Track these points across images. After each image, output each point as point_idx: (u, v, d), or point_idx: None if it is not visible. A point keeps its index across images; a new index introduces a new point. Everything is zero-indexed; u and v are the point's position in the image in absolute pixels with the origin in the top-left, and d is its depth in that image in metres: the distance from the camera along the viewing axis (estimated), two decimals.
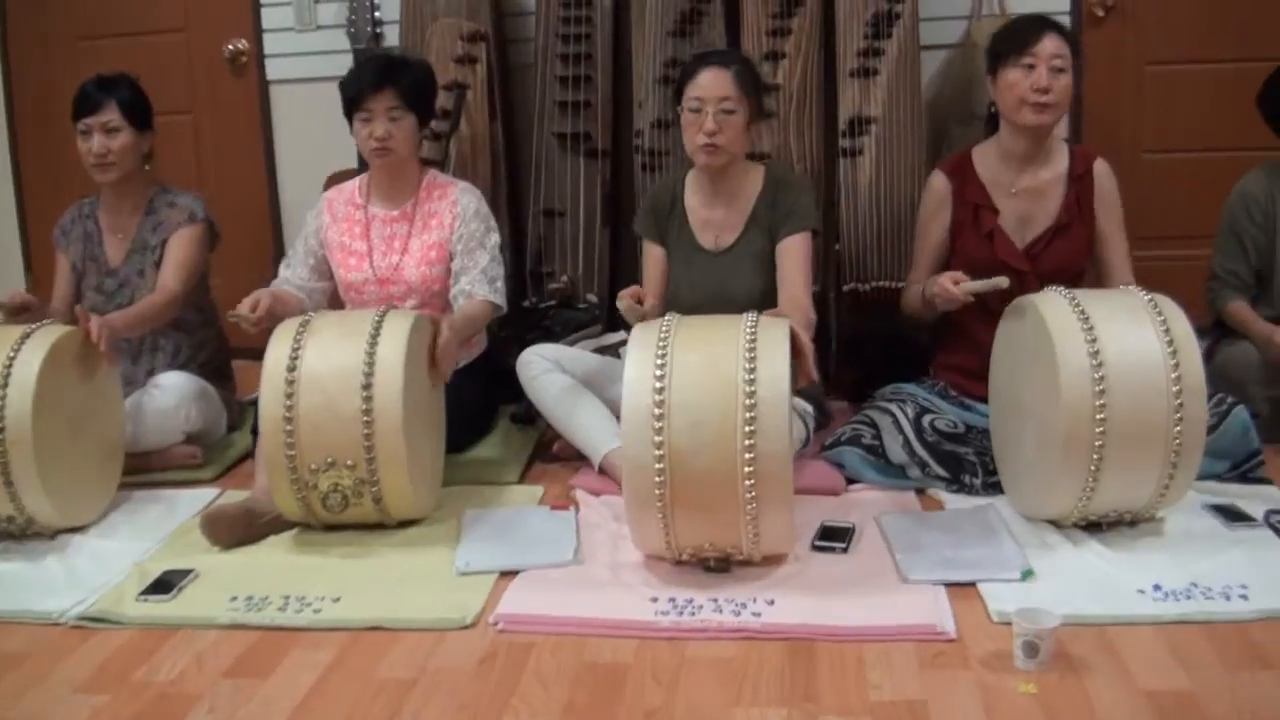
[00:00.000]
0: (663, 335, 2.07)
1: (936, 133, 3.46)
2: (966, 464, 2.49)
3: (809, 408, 2.70)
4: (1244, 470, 2.48)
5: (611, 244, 3.32)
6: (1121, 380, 2.08)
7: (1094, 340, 2.10)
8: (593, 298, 3.24)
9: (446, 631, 1.97)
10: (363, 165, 2.92)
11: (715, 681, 1.77)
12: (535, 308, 3.29)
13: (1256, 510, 2.30)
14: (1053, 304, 2.20)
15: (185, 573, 2.23)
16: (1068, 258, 2.67)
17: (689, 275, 2.71)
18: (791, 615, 1.95)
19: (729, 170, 2.65)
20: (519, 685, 1.79)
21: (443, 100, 3.22)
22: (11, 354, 2.35)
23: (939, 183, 2.74)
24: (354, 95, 2.66)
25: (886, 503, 2.45)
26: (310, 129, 3.65)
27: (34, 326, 2.43)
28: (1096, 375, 2.08)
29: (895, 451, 2.51)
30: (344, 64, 3.19)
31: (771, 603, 2.00)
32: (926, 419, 2.58)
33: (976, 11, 3.48)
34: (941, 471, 2.48)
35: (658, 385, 2.00)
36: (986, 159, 2.72)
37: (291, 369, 2.26)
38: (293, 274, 2.83)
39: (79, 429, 2.47)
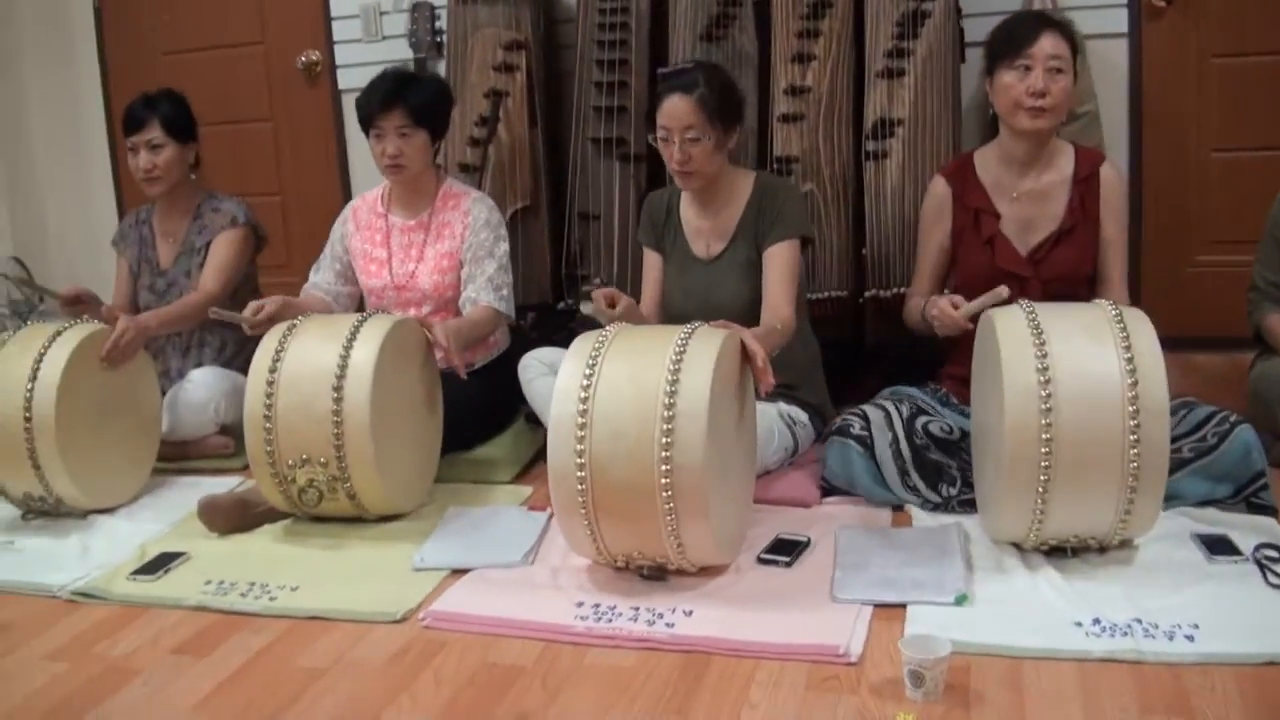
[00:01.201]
0: (597, 345, 2.10)
1: (983, 131, 3.34)
2: (946, 474, 2.41)
3: (803, 416, 2.67)
4: (1247, 494, 2.31)
5: None
6: (1071, 400, 1.99)
7: (1044, 358, 2.01)
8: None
9: (376, 624, 2.07)
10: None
11: (598, 689, 1.80)
12: (570, 309, 3.36)
13: (1250, 542, 2.15)
14: (1009, 319, 2.12)
15: (177, 555, 2.40)
16: (1072, 263, 2.56)
17: (682, 283, 2.72)
18: (702, 628, 1.95)
19: (716, 181, 2.64)
20: (415, 682, 1.86)
21: (482, 107, 3.34)
22: (42, 350, 2.58)
23: (939, 187, 2.66)
24: (365, 115, 2.78)
25: (855, 517, 2.40)
26: None
27: (67, 325, 2.66)
28: (1044, 394, 1.99)
29: (881, 448, 2.44)
30: None
31: (690, 614, 2.00)
32: (921, 420, 2.49)
33: (1028, 6, 3.33)
34: (918, 480, 2.41)
35: (583, 395, 2.03)
36: (988, 162, 2.63)
37: (273, 369, 2.40)
38: (321, 278, 2.99)
39: (107, 419, 2.68)
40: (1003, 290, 2.28)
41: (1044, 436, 1.98)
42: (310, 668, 1.93)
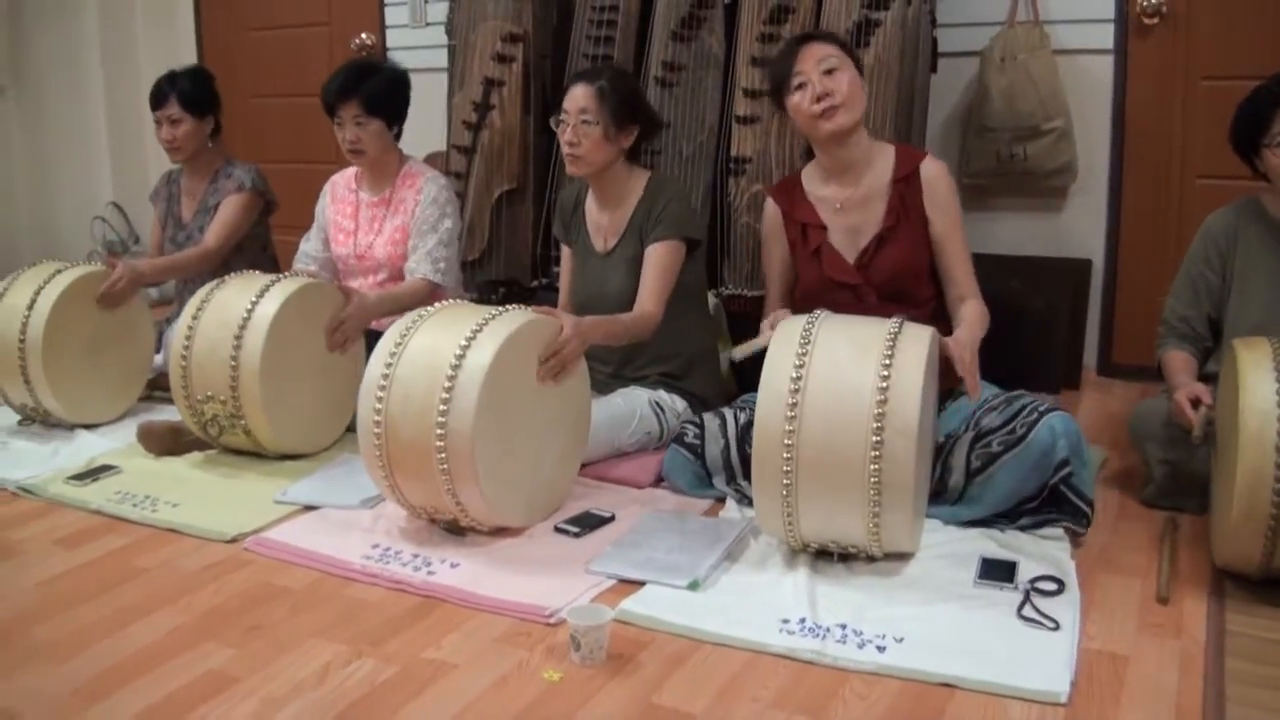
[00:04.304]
0: (417, 318, 2.34)
1: (951, 143, 3.34)
2: None
3: (681, 404, 2.81)
4: (1054, 484, 2.29)
5: None
6: (817, 411, 2.06)
7: (800, 367, 2.09)
8: None
9: (212, 542, 2.39)
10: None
11: (329, 616, 2.05)
12: (542, 286, 3.60)
13: (1032, 573, 2.14)
14: (790, 327, 2.19)
15: (111, 468, 2.81)
16: (899, 262, 2.58)
17: (582, 275, 2.90)
18: (452, 578, 2.17)
19: (613, 177, 2.80)
20: (200, 590, 2.15)
21: (476, 95, 3.60)
22: (43, 284, 3.04)
23: (769, 208, 2.75)
24: (326, 104, 3.10)
25: (674, 503, 2.54)
26: (416, 115, 4.15)
27: (66, 265, 3.11)
28: (791, 402, 2.07)
29: (713, 454, 2.57)
30: (444, 57, 3.67)
31: (456, 566, 2.22)
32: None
33: (1011, 19, 3.29)
34: (744, 483, 2.51)
35: (389, 360, 2.27)
36: (813, 178, 2.70)
37: (195, 316, 2.76)
38: (310, 246, 3.36)
39: (98, 349, 3.12)
40: (762, 341, 2.33)
41: (786, 443, 2.07)
42: (137, 567, 2.28)
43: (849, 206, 2.63)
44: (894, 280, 2.54)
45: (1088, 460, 2.39)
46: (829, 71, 2.50)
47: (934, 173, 2.59)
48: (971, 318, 2.52)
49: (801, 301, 2.65)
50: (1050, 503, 2.33)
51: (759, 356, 2.19)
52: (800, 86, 2.53)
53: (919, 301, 2.61)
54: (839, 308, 2.47)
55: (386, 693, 1.80)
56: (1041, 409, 2.35)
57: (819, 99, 2.50)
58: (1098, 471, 2.75)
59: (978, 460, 2.39)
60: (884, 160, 2.63)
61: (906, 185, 2.59)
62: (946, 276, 2.60)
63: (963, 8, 3.35)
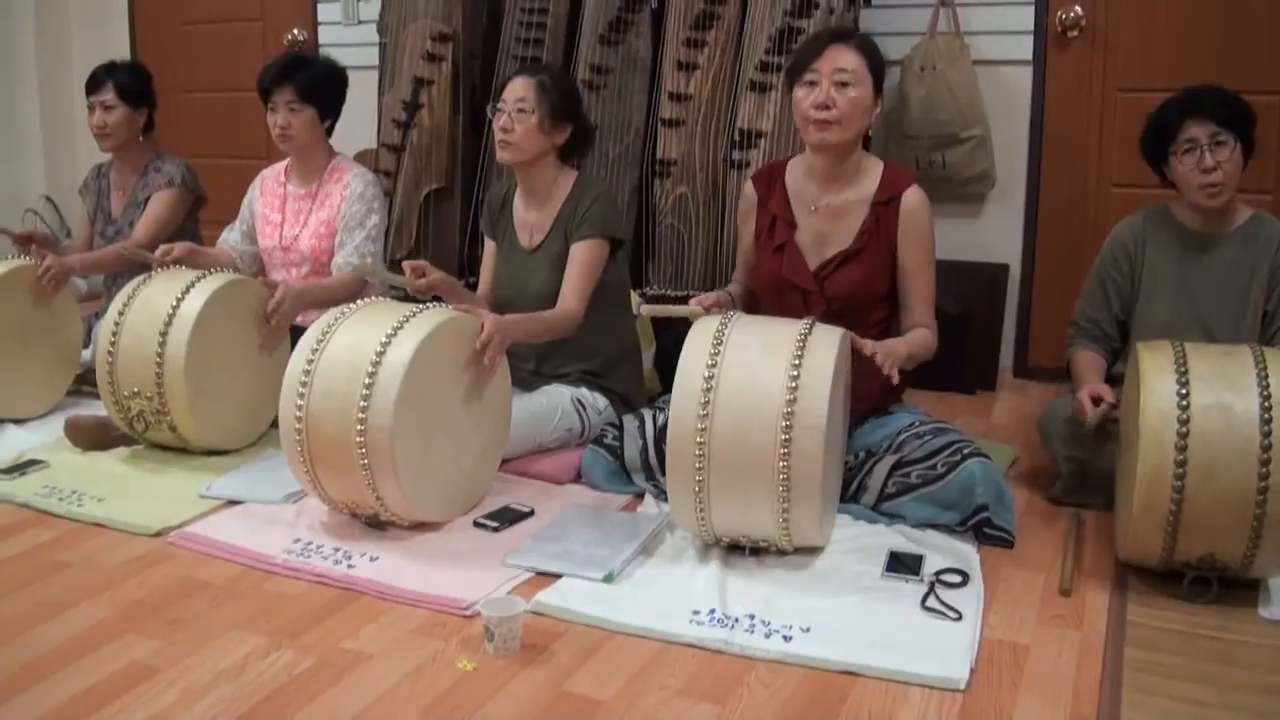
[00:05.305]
0: (340, 315, 2.37)
1: (873, 150, 3.42)
2: None
3: (602, 402, 2.87)
4: (971, 524, 2.38)
5: None
6: (727, 408, 2.13)
7: (714, 365, 2.16)
8: None
9: (136, 536, 2.40)
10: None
11: (249, 609, 2.08)
12: (468, 284, 3.63)
13: (938, 566, 2.23)
14: (705, 325, 2.25)
15: (39, 462, 2.80)
16: (857, 284, 2.57)
17: (507, 271, 2.95)
18: (370, 571, 2.20)
19: (541, 172, 2.85)
20: (124, 583, 2.17)
21: (405, 93, 3.63)
22: None
23: (748, 189, 2.74)
24: (261, 89, 3.12)
25: (592, 499, 2.60)
26: (347, 112, 4.16)
27: None
28: (703, 400, 2.14)
29: (631, 455, 2.63)
30: (375, 55, 3.67)
31: (375, 559, 2.26)
32: None
33: (932, 29, 3.39)
34: (664, 483, 2.54)
35: (310, 356, 2.30)
36: (796, 173, 2.67)
37: (122, 312, 2.77)
38: (231, 238, 3.36)
39: (27, 343, 3.11)
40: (697, 310, 2.39)
41: (698, 440, 2.13)
42: (61, 561, 2.28)
43: (824, 212, 2.60)
44: (848, 298, 2.55)
45: (1010, 501, 2.43)
46: (841, 84, 2.47)
47: (913, 206, 2.55)
48: (911, 337, 2.53)
49: (758, 288, 2.70)
50: (971, 532, 2.40)
51: (664, 331, 2.21)
52: (811, 84, 2.50)
53: (869, 322, 2.60)
54: (787, 310, 2.53)
55: (304, 682, 1.83)
56: (965, 451, 2.40)
57: (820, 107, 2.48)
58: (1008, 469, 2.85)
59: (893, 487, 2.45)
60: (870, 176, 2.59)
61: (885, 209, 2.56)
62: (904, 304, 2.60)
63: (885, 18, 3.44)
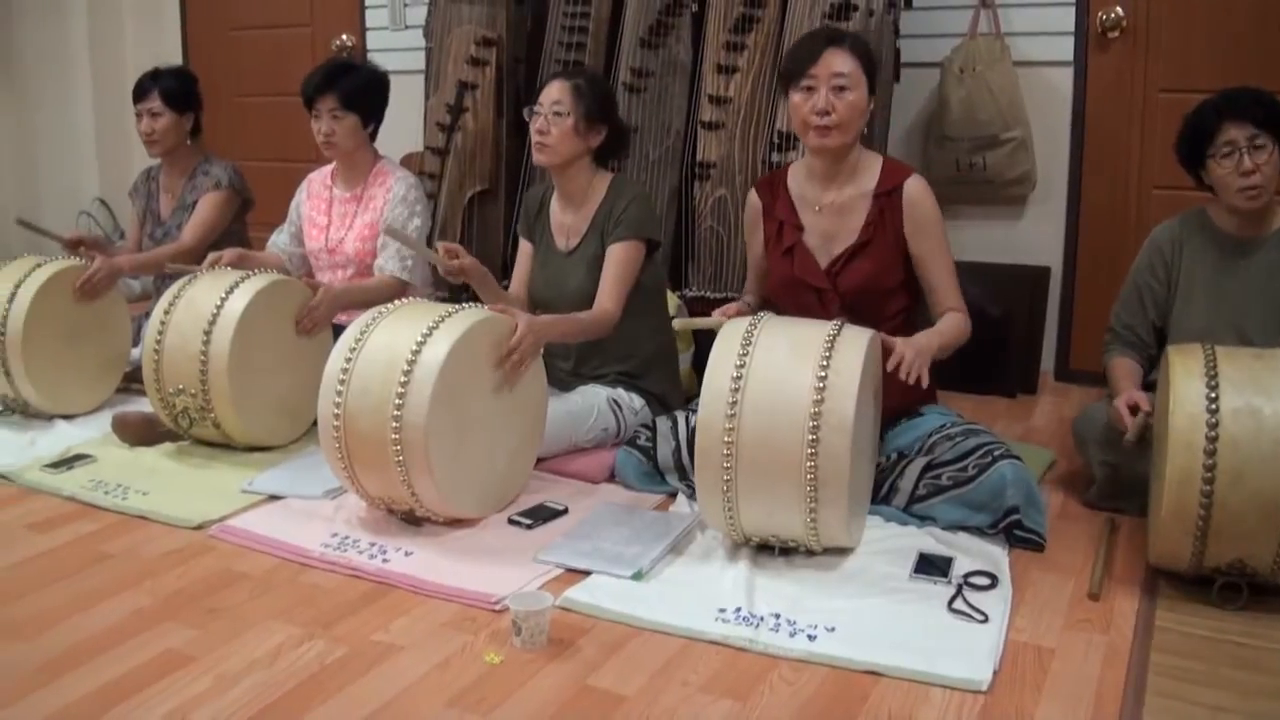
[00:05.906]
0: (377, 315, 2.42)
1: (912, 152, 3.42)
2: None
3: (639, 402, 2.89)
4: (1003, 527, 2.37)
5: None
6: (755, 409, 2.14)
7: (742, 366, 2.18)
8: None
9: (178, 528, 2.47)
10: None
11: (286, 600, 2.13)
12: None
13: (967, 568, 2.22)
14: (733, 328, 2.27)
15: (86, 457, 2.88)
16: (869, 276, 2.60)
17: (544, 273, 2.98)
18: (406, 566, 2.25)
19: (577, 174, 2.88)
20: (165, 574, 2.24)
21: (450, 97, 3.69)
22: (23, 277, 3.12)
23: (752, 199, 2.78)
24: (305, 98, 3.18)
25: (626, 498, 2.62)
26: (394, 116, 4.24)
27: (46, 259, 3.19)
28: (731, 400, 2.16)
29: (664, 456, 2.65)
30: (422, 60, 3.73)
31: (410, 554, 2.30)
32: None
33: (972, 31, 3.37)
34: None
35: (349, 355, 2.35)
36: (798, 176, 2.71)
37: (168, 312, 2.84)
38: (280, 239, 3.43)
39: (77, 342, 3.19)
40: (721, 320, 2.41)
41: (726, 440, 2.15)
42: (103, 552, 2.35)
43: (828, 211, 2.64)
44: (861, 292, 2.57)
45: (1041, 503, 2.42)
46: (839, 89, 2.50)
47: (916, 194, 2.57)
48: (943, 325, 2.54)
49: (772, 293, 2.73)
50: (1002, 534, 2.39)
51: (702, 334, 2.24)
52: (808, 90, 2.52)
53: (887, 314, 2.62)
54: (804, 309, 2.56)
55: (334, 671, 1.88)
56: (996, 453, 2.40)
57: (819, 113, 2.50)
58: (1044, 473, 2.83)
59: (924, 489, 2.46)
60: (869, 171, 2.62)
61: (888, 200, 2.58)
62: (929, 289, 2.61)
63: (925, 19, 3.44)
